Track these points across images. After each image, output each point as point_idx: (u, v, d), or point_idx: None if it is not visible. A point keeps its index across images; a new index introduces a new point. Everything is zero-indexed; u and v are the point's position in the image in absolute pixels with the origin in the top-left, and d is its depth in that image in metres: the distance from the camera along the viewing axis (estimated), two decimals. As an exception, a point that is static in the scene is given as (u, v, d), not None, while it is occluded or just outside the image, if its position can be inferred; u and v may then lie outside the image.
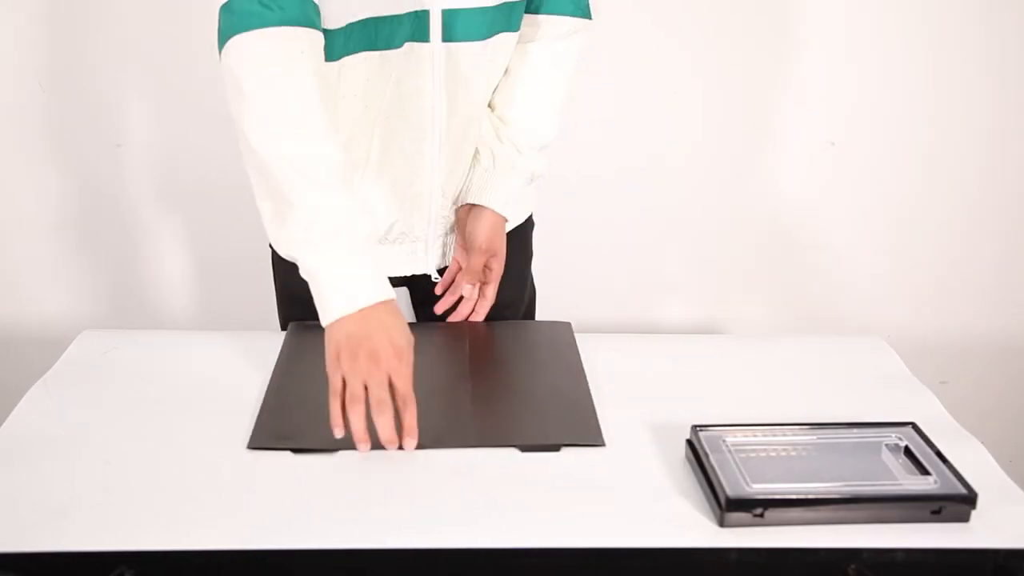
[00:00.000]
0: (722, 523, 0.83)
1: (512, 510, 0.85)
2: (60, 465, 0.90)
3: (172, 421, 0.98)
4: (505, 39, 1.12)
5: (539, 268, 1.37)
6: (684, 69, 1.73)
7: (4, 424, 0.97)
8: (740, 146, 1.78)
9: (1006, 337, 1.96)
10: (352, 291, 0.94)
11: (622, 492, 0.88)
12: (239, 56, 0.96)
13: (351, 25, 1.04)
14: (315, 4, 1.01)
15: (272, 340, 1.15)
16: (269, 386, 1.04)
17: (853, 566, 0.79)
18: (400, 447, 0.92)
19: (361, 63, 1.06)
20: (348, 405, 0.92)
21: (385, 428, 0.92)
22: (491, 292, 1.20)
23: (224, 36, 0.97)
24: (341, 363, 0.92)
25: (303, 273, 0.97)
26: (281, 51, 0.96)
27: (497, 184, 1.17)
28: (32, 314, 1.82)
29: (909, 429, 0.93)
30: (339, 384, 0.93)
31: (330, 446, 0.92)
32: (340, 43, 1.05)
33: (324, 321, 0.95)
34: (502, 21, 1.10)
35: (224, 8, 0.97)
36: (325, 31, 1.03)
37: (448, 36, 1.06)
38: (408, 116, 1.11)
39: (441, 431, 0.95)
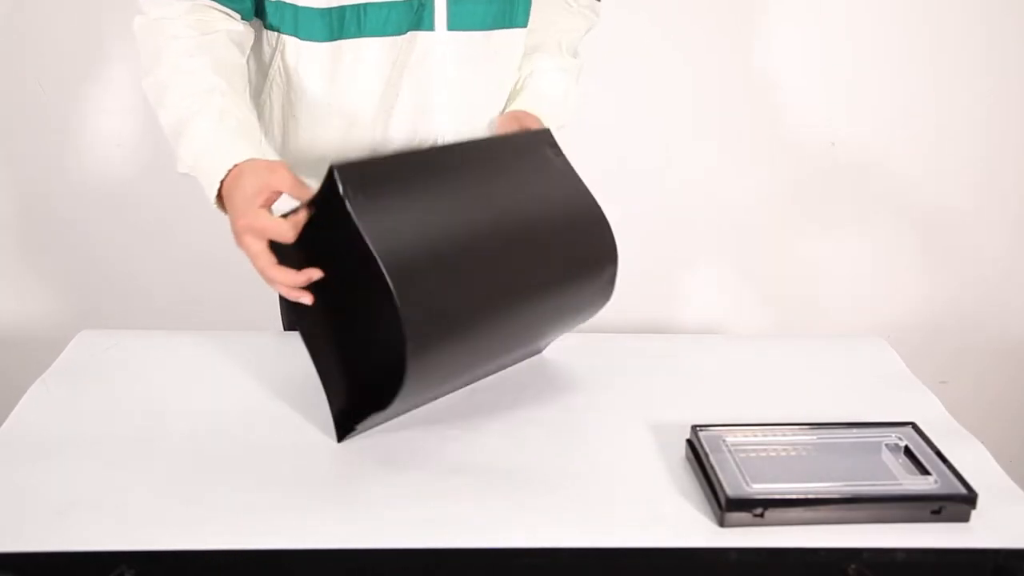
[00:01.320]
0: (722, 523, 0.83)
1: (512, 510, 0.85)
2: (60, 465, 0.90)
3: (171, 421, 0.98)
4: (509, 36, 1.12)
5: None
6: (684, 69, 1.73)
7: (4, 424, 0.97)
8: (740, 146, 1.78)
9: (1006, 337, 1.96)
10: (211, 174, 0.96)
11: (622, 492, 0.88)
12: (139, 10, 1.06)
13: (343, 8, 1.04)
14: None
15: (272, 340, 1.15)
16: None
17: (853, 566, 0.79)
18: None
19: (360, 49, 1.06)
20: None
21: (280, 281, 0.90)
22: None
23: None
24: (245, 236, 0.93)
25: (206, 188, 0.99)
26: (172, 11, 1.03)
27: (540, 87, 1.19)
28: (32, 314, 1.82)
29: (909, 429, 0.93)
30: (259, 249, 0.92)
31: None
32: (333, 24, 1.05)
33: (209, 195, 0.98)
34: (505, 15, 1.10)
35: None
36: (310, 10, 1.04)
37: (453, 25, 1.07)
38: (418, 105, 1.11)
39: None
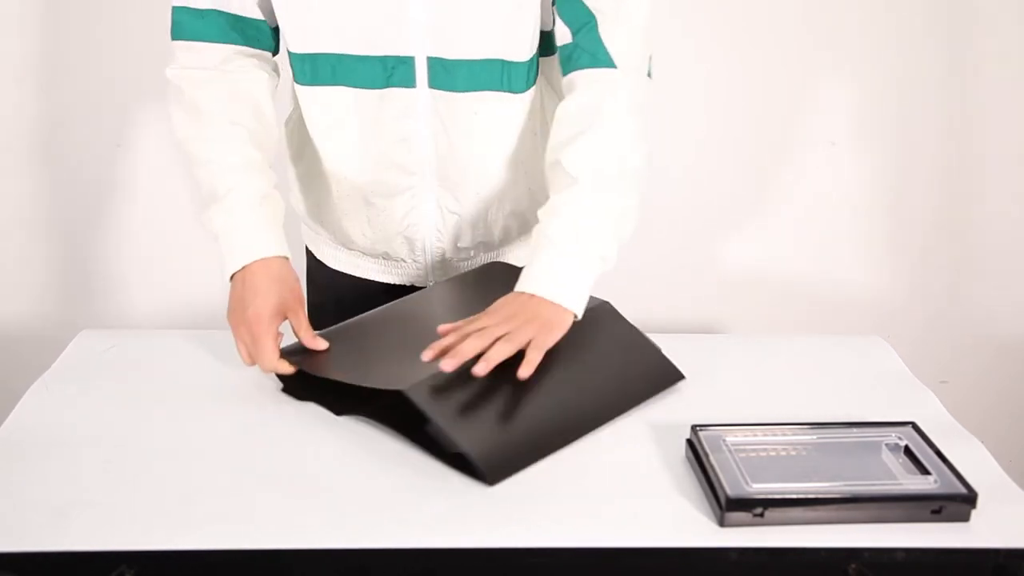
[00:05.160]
0: (722, 523, 0.83)
1: (513, 510, 0.85)
2: (60, 465, 0.90)
3: (172, 420, 0.98)
4: (493, 98, 1.11)
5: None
6: (685, 68, 1.73)
7: (4, 424, 0.97)
8: (741, 146, 1.79)
9: (1006, 337, 1.96)
10: (249, 244, 1.07)
11: (622, 492, 0.88)
12: (172, 59, 1.11)
13: (317, 56, 1.08)
14: (260, 22, 1.10)
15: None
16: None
17: (854, 566, 0.79)
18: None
19: (334, 96, 1.11)
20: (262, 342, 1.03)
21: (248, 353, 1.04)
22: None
23: (171, 37, 1.11)
24: (230, 321, 1.06)
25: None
26: (196, 60, 1.10)
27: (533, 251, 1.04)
28: (32, 314, 1.82)
29: (909, 429, 0.93)
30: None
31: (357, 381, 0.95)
32: (307, 70, 1.10)
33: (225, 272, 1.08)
34: (488, 78, 1.10)
35: (172, 11, 1.10)
36: (293, 54, 1.10)
37: (434, 83, 1.09)
38: (396, 157, 1.13)
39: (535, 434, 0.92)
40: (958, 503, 0.83)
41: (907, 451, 0.90)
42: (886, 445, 0.91)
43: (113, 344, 1.15)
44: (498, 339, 0.93)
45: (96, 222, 1.76)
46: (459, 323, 0.97)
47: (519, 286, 1.00)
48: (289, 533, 0.81)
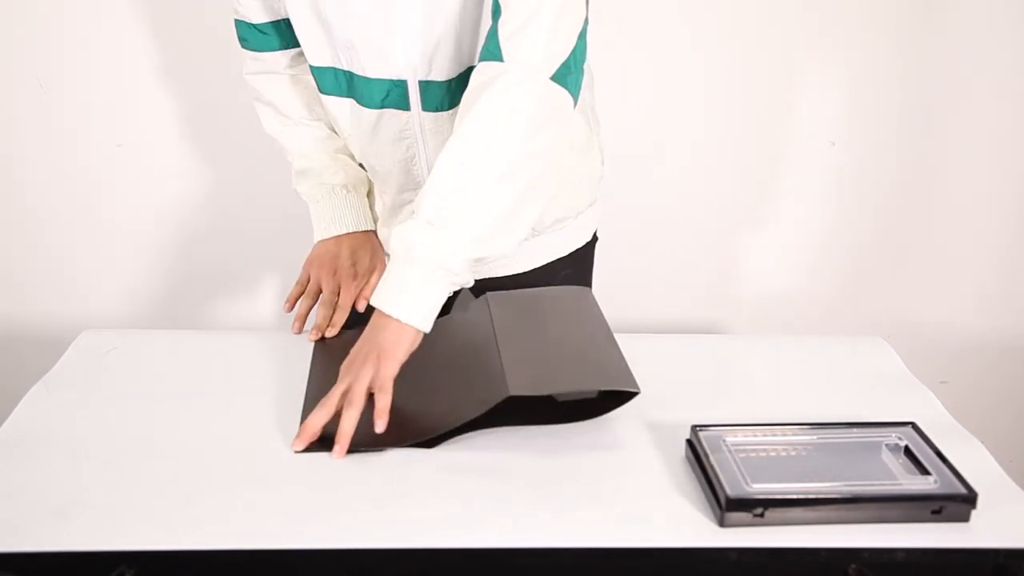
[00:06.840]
0: (722, 523, 0.83)
1: (512, 510, 0.85)
2: (60, 465, 0.90)
3: (172, 421, 0.98)
4: None
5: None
6: (685, 67, 1.73)
7: (4, 424, 0.97)
8: (740, 145, 1.78)
9: (1006, 337, 1.96)
10: (332, 219, 1.23)
11: (622, 492, 0.88)
12: (244, 63, 1.23)
13: (325, 69, 1.12)
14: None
15: (271, 340, 1.15)
16: (308, 389, 1.04)
17: (854, 566, 0.79)
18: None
19: (340, 107, 1.14)
20: (304, 298, 1.20)
21: (323, 314, 1.17)
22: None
23: (240, 45, 1.22)
24: (312, 266, 1.21)
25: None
26: (264, 67, 1.22)
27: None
28: (32, 314, 1.82)
29: (909, 429, 0.93)
30: (306, 278, 1.21)
31: (372, 446, 0.93)
32: (317, 79, 1.15)
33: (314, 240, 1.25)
34: (464, 87, 1.09)
35: (235, 24, 1.19)
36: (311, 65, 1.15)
37: (427, 106, 1.10)
38: (397, 175, 1.16)
39: (475, 395, 0.96)
40: (958, 503, 0.84)
41: (907, 451, 0.90)
42: (886, 445, 0.91)
43: (114, 346, 1.15)
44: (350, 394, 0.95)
45: (96, 222, 1.76)
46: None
47: (372, 299, 0.99)
48: (289, 533, 0.81)
